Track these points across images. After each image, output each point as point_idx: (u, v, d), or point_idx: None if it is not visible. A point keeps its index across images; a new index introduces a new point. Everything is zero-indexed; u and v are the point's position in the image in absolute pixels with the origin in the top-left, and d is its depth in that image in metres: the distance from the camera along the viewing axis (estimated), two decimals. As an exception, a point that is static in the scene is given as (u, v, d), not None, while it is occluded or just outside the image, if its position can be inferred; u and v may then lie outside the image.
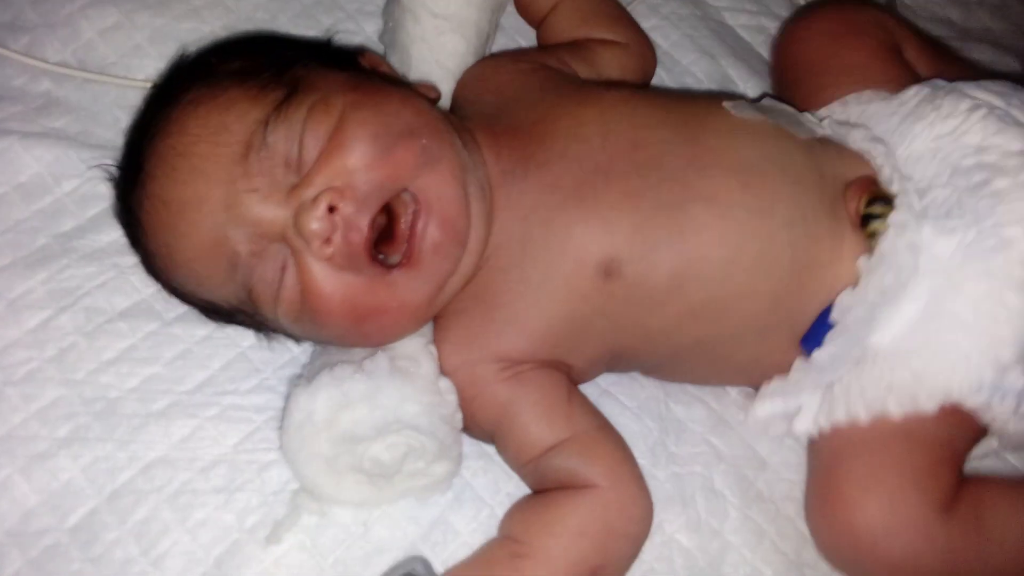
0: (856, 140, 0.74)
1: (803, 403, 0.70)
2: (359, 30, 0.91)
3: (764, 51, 0.99)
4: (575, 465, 0.67)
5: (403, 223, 0.65)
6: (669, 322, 0.69)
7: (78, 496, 0.68)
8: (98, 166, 0.78)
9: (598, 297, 0.68)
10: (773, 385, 0.72)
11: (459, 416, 0.68)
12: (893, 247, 0.67)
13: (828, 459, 0.69)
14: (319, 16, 0.91)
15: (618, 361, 0.73)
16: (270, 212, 0.63)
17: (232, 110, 0.65)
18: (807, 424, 0.70)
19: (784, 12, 1.01)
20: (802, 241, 0.68)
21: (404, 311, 0.66)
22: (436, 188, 0.65)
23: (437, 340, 0.70)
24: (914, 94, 0.75)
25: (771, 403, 0.72)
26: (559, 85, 0.78)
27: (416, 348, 0.68)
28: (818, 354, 0.68)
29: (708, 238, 0.67)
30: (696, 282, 0.67)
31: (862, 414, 0.67)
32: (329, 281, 0.63)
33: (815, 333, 0.69)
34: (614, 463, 0.68)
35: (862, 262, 0.68)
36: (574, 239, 0.68)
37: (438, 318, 0.71)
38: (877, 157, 0.72)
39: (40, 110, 0.82)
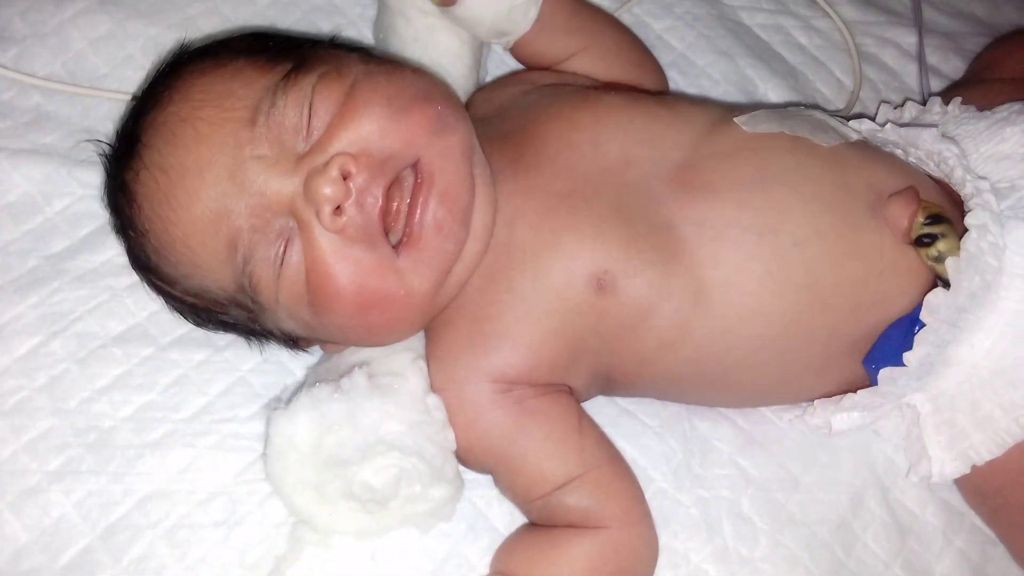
0: (926, 141, 0.71)
1: (898, 429, 0.70)
2: (361, 36, 0.88)
3: (784, 51, 0.95)
4: (590, 505, 0.63)
5: (397, 199, 0.62)
6: (666, 348, 0.65)
7: (71, 533, 0.65)
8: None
9: (590, 313, 0.64)
10: (856, 397, 0.68)
11: (450, 435, 0.64)
12: (978, 249, 0.63)
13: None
14: (319, 22, 0.88)
15: (613, 386, 0.69)
16: (277, 181, 0.60)
17: (239, 77, 0.62)
18: (948, 466, 0.68)
19: (803, 10, 0.98)
20: (822, 259, 0.64)
21: (410, 301, 0.62)
22: (441, 160, 0.62)
23: (427, 355, 0.66)
24: (1007, 107, 0.73)
25: (848, 416, 0.68)
26: (557, 91, 0.75)
27: (402, 363, 0.64)
28: (910, 356, 0.64)
29: (702, 260, 0.63)
30: (693, 305, 0.63)
31: (1012, 437, 0.65)
32: (338, 257, 0.59)
33: (882, 350, 0.65)
34: (628, 502, 0.65)
35: (951, 263, 0.64)
36: (564, 247, 0.64)
37: (428, 331, 0.67)
38: (949, 159, 0.69)
39: (29, 125, 0.79)
